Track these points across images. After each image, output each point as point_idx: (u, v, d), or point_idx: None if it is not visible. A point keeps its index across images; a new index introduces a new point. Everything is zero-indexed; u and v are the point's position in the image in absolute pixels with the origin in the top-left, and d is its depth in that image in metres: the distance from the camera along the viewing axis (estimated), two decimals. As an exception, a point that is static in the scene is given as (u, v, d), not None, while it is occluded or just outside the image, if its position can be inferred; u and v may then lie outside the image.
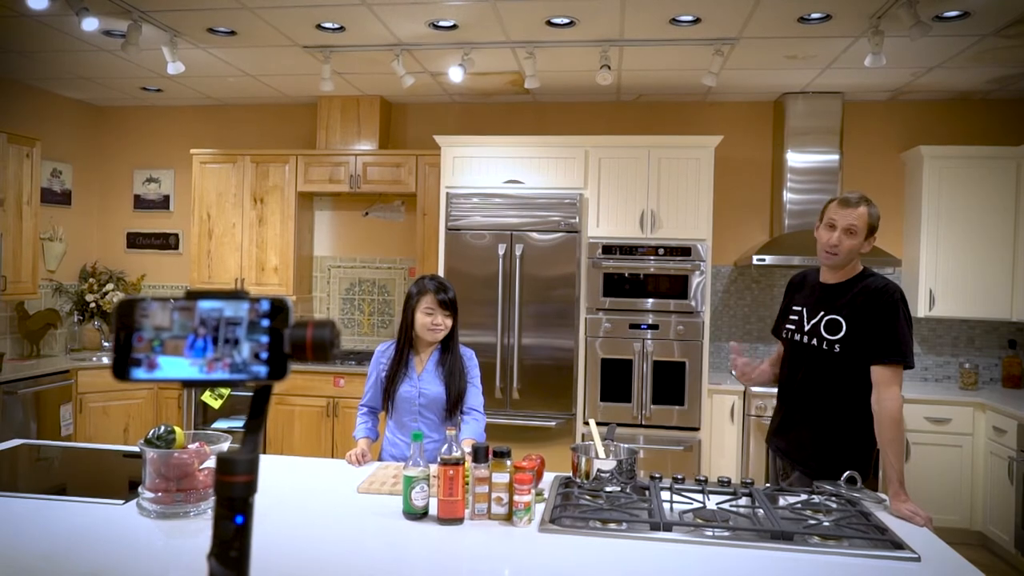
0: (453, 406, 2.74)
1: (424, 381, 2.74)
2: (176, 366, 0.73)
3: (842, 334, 2.40)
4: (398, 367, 2.74)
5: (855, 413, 2.40)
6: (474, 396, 2.80)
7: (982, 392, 4.69)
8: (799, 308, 2.57)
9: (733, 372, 2.75)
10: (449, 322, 2.72)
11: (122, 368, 0.74)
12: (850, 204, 2.40)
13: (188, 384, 0.73)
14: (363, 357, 5.13)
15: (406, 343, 2.76)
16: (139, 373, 0.74)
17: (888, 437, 2.29)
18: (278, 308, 0.75)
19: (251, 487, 0.74)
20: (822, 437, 2.48)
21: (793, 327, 2.56)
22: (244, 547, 0.73)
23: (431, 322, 2.69)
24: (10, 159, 4.64)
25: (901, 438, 2.30)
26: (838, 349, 2.41)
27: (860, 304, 2.39)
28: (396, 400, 2.74)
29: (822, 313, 2.46)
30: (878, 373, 2.33)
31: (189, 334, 0.73)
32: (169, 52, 4.09)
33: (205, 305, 0.74)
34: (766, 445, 2.76)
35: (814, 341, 2.46)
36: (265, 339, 0.74)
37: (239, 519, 0.73)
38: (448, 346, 2.77)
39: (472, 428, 2.73)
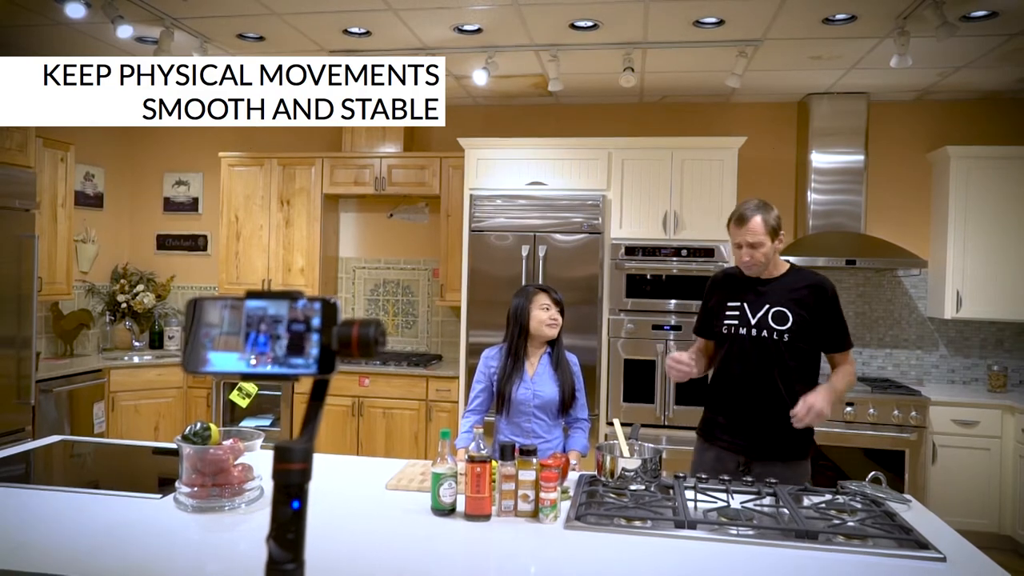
0: (566, 406, 2.85)
1: (537, 383, 2.83)
2: (226, 361, 0.77)
3: (789, 324, 2.59)
4: (512, 370, 2.82)
5: (801, 393, 2.52)
6: (581, 405, 2.91)
7: (1011, 394, 4.63)
8: (737, 304, 2.69)
9: (671, 374, 2.70)
10: (561, 319, 2.86)
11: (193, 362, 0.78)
12: (745, 220, 2.60)
13: (246, 377, 0.77)
14: (387, 358, 5.19)
15: (521, 347, 2.85)
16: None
17: (849, 383, 2.66)
18: (327, 307, 0.79)
19: (307, 474, 0.78)
20: (779, 422, 2.53)
21: (736, 322, 2.68)
22: (300, 530, 0.77)
23: (549, 317, 2.83)
24: (45, 163, 4.76)
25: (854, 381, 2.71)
26: (787, 338, 2.59)
27: (804, 296, 2.61)
28: (511, 403, 2.81)
29: (767, 306, 2.62)
30: (838, 358, 2.67)
31: (249, 331, 0.78)
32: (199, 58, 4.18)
33: (252, 304, 0.78)
34: (707, 443, 2.73)
35: (764, 333, 2.61)
36: (315, 336, 0.78)
37: (295, 504, 0.77)
38: (556, 347, 2.89)
39: (579, 440, 2.88)
